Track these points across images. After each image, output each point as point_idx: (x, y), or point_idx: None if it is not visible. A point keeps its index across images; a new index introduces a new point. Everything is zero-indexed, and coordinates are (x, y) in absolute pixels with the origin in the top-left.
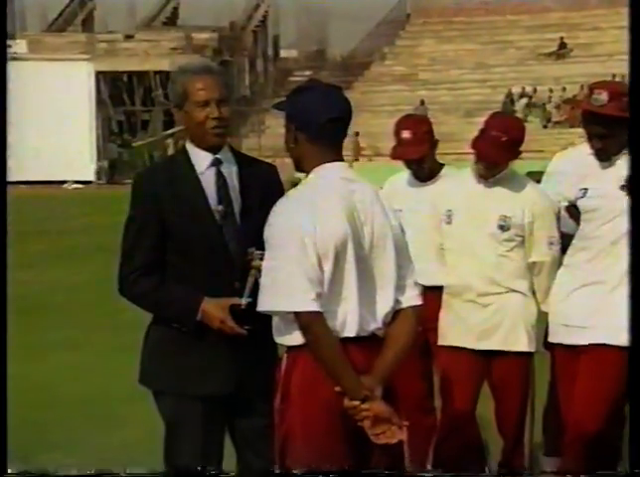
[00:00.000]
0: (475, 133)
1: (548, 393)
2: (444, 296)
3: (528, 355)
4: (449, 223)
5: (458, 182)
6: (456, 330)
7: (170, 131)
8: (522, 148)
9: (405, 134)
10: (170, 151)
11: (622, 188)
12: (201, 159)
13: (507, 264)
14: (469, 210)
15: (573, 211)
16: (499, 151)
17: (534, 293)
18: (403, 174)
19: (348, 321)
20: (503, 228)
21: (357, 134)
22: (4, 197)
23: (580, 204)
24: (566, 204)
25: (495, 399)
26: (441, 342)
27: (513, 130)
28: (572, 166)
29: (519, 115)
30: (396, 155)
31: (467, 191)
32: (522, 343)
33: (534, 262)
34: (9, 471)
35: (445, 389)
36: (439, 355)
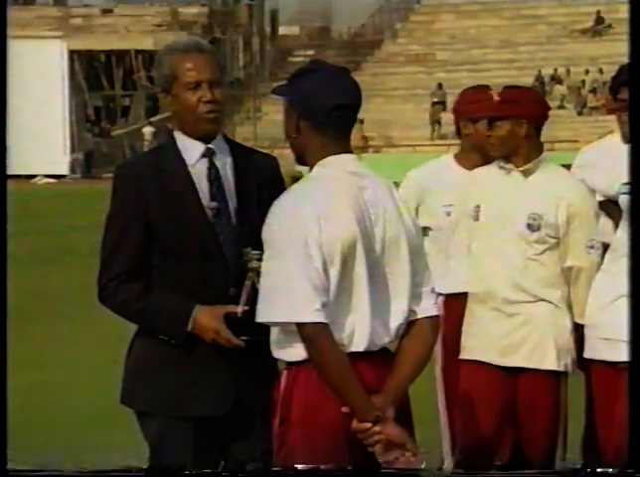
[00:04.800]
0: None
1: (586, 415)
2: (468, 303)
3: (557, 374)
4: (477, 219)
5: (489, 174)
6: (479, 342)
7: (155, 118)
8: (554, 138)
9: None
10: (147, 141)
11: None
12: (191, 149)
13: (536, 269)
14: (497, 205)
15: (610, 206)
16: (493, 108)
17: (567, 305)
18: (442, 162)
19: (357, 334)
20: (532, 227)
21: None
22: (4, 195)
23: (622, 201)
24: (601, 198)
25: (520, 424)
26: (462, 355)
27: (509, 91)
28: (611, 157)
29: (553, 100)
30: None
31: (496, 184)
32: (549, 360)
33: (570, 268)
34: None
35: (466, 410)
36: (460, 370)
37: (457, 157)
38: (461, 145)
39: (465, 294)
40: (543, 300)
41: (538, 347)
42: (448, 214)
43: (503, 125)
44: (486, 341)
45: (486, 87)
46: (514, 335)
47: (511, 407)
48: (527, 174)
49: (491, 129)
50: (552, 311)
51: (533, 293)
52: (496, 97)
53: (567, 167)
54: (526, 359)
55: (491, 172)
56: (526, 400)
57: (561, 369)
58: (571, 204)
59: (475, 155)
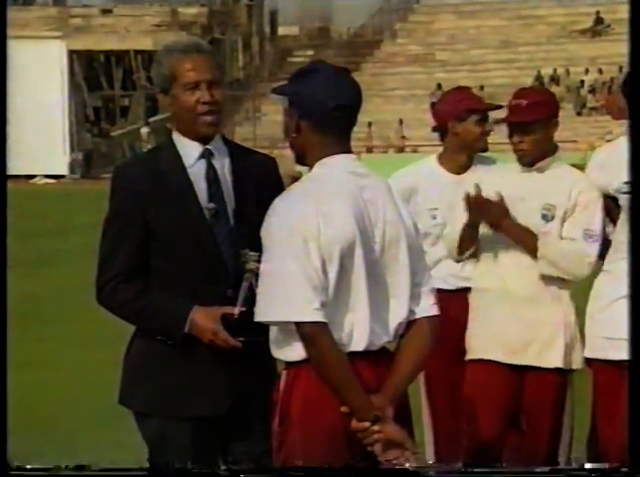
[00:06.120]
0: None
1: (592, 414)
2: (473, 300)
3: (565, 372)
4: None
5: (501, 170)
6: (486, 341)
7: (153, 119)
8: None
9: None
10: (145, 141)
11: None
12: (189, 150)
13: None
14: (511, 198)
15: (608, 202)
16: (522, 114)
17: (574, 302)
18: (425, 165)
19: (356, 333)
20: (546, 218)
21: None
22: (4, 195)
23: (623, 200)
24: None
25: (525, 423)
26: (469, 356)
27: (531, 93)
28: (616, 156)
29: None
30: None
31: (510, 179)
32: (558, 358)
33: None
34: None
35: (474, 410)
36: (467, 370)
37: (441, 160)
38: (445, 147)
39: (444, 291)
40: (553, 297)
41: (547, 345)
42: (434, 217)
43: (538, 128)
44: (494, 339)
45: (467, 87)
46: (524, 333)
47: (517, 406)
48: (542, 170)
49: (525, 135)
50: (561, 309)
51: (544, 290)
52: (523, 103)
53: None
54: (535, 357)
55: (506, 168)
56: (533, 399)
57: (567, 367)
58: (582, 192)
59: (461, 156)
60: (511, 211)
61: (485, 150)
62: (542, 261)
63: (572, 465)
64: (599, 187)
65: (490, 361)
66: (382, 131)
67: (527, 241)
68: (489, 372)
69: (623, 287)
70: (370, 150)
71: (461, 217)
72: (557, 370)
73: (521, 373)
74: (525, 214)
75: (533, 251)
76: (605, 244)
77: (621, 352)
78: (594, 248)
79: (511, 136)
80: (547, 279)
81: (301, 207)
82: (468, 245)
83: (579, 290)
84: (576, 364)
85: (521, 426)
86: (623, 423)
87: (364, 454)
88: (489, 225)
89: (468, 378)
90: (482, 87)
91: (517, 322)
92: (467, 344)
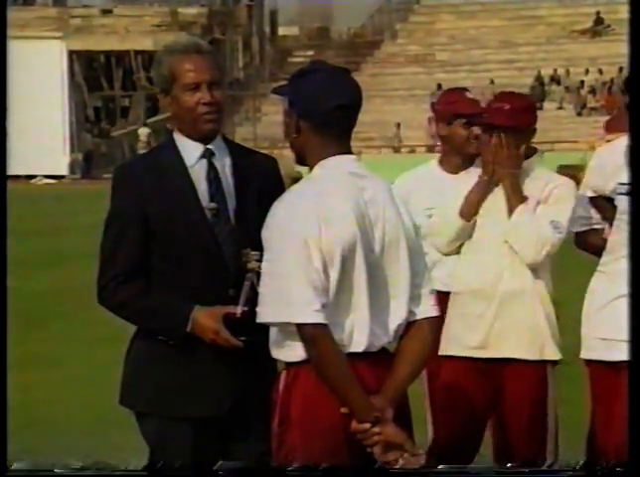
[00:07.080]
0: None
1: (591, 413)
2: (454, 298)
3: (544, 364)
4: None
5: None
6: (464, 336)
7: (152, 119)
8: (554, 138)
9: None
10: (143, 142)
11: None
12: (190, 150)
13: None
14: (491, 199)
15: (602, 202)
16: (505, 117)
17: (552, 295)
18: (426, 167)
19: (356, 334)
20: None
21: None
22: (4, 195)
23: (619, 201)
24: (593, 194)
25: (506, 418)
26: (447, 352)
27: (514, 99)
28: (614, 157)
29: (552, 101)
30: None
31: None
32: (536, 351)
33: None
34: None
35: (450, 407)
36: (444, 367)
37: (440, 161)
38: (442, 149)
39: (442, 293)
40: (532, 292)
41: (527, 337)
42: (429, 217)
43: (516, 134)
44: (470, 335)
45: (463, 89)
46: (503, 327)
47: (499, 403)
48: (522, 172)
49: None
50: (541, 303)
51: (522, 284)
52: (506, 106)
53: (567, 167)
54: (513, 350)
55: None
56: (513, 394)
57: (555, 357)
58: (557, 187)
59: (456, 158)
60: (492, 212)
61: (478, 154)
62: (510, 227)
63: (560, 464)
64: (597, 187)
65: (465, 357)
66: (382, 131)
67: (514, 201)
68: (467, 367)
69: (618, 288)
70: (397, 150)
71: (452, 205)
72: (538, 362)
73: (499, 367)
74: (505, 214)
75: (510, 212)
76: (602, 245)
77: (615, 352)
78: (556, 239)
79: (490, 138)
80: (524, 275)
81: (302, 208)
82: (473, 209)
83: (578, 291)
84: (555, 355)
85: (503, 425)
86: (621, 424)
87: (363, 455)
88: (500, 169)
89: (443, 374)
90: (492, 81)
91: (494, 317)
92: (442, 340)
